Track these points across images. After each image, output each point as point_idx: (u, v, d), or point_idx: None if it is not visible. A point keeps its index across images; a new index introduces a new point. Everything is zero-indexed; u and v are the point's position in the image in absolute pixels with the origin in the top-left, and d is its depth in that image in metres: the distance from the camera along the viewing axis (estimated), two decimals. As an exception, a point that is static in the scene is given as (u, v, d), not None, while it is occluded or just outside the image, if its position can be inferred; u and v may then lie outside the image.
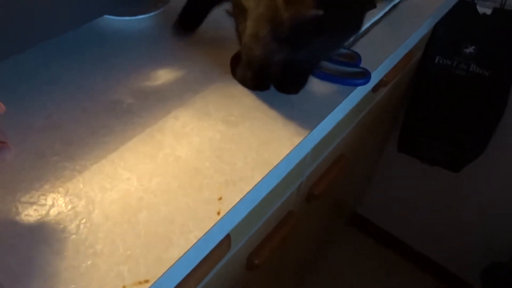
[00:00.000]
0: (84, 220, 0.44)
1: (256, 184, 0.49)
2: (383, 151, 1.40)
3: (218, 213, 0.46)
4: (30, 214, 0.44)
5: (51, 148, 0.51)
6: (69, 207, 0.45)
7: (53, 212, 0.45)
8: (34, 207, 0.45)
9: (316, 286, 1.51)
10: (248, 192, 0.49)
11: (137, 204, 0.46)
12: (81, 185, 0.47)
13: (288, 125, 0.56)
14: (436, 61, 1.06)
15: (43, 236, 0.43)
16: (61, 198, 0.46)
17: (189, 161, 0.51)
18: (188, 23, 0.67)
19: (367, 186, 1.54)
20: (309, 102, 0.60)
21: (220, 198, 0.48)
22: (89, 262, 0.41)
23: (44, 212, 0.45)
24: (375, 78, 0.69)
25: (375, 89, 0.80)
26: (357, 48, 0.70)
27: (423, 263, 1.55)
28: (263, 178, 0.50)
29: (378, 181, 1.50)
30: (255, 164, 0.51)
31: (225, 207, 0.47)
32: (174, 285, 0.45)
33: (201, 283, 0.57)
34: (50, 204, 0.45)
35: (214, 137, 0.54)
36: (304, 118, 0.58)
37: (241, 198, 0.48)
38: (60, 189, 0.47)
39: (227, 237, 0.54)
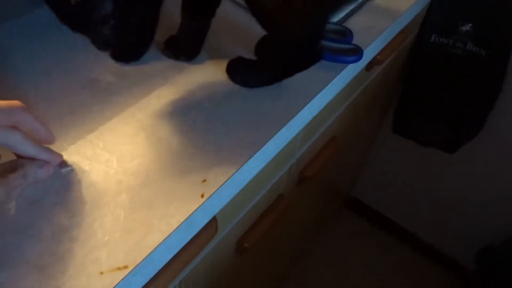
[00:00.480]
0: (60, 204, 0.42)
1: (242, 166, 0.47)
2: (379, 133, 1.38)
3: (202, 196, 0.44)
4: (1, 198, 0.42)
5: (26, 129, 0.48)
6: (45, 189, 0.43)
7: (27, 194, 0.42)
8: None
9: (310, 269, 1.50)
10: (233, 174, 0.46)
11: (116, 187, 0.44)
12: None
13: (276, 104, 0.54)
14: (432, 40, 1.04)
15: (17, 221, 0.41)
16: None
17: (172, 142, 0.49)
18: (188, 52, 0.59)
19: (362, 168, 1.52)
20: (298, 80, 0.57)
21: (204, 181, 0.46)
22: (65, 247, 0.39)
23: (16, 195, 0.42)
24: (368, 56, 0.67)
25: (368, 67, 0.78)
26: (349, 24, 0.67)
27: (418, 246, 1.55)
28: (249, 159, 0.48)
29: (373, 163, 1.49)
30: (241, 145, 0.49)
31: (209, 190, 0.45)
32: (156, 271, 0.43)
33: (186, 268, 0.55)
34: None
35: (199, 116, 0.52)
36: (293, 97, 0.55)
37: (226, 180, 0.46)
38: (35, 172, 0.44)
39: (213, 220, 0.52)
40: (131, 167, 0.46)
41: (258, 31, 0.51)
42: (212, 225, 0.52)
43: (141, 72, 0.56)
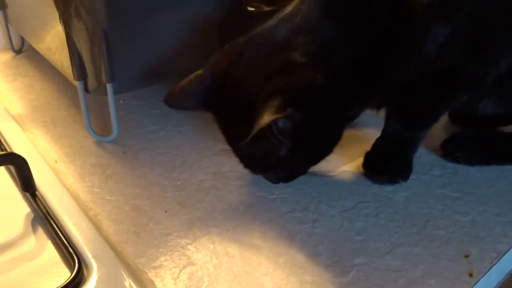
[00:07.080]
0: None
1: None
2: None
3: (470, 275, 0.35)
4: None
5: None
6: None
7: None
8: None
9: None
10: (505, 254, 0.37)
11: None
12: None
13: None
14: None
15: None
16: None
17: (413, 207, 0.42)
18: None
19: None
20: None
21: (467, 256, 0.37)
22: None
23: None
24: None
25: None
26: None
27: None
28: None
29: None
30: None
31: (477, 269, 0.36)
32: None
33: None
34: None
35: (433, 181, 0.45)
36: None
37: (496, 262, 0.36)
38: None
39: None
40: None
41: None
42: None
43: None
